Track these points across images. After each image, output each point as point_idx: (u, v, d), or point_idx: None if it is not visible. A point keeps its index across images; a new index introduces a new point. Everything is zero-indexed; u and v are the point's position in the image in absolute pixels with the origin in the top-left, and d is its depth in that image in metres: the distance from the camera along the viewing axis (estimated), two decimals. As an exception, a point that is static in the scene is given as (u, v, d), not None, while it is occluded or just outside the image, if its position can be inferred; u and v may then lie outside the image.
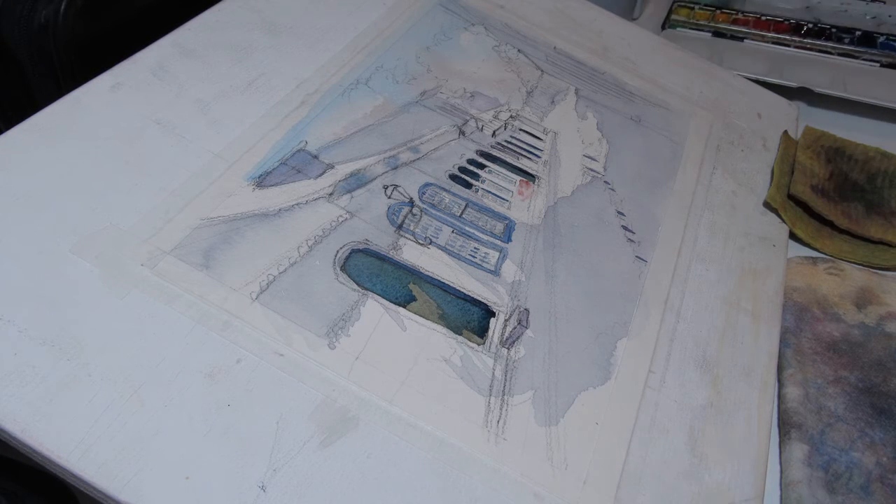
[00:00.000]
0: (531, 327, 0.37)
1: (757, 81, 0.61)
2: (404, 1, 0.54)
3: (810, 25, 0.68)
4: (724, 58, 0.64)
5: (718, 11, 0.71)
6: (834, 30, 0.67)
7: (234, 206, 0.37)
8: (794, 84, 0.61)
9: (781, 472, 0.36)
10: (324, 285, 0.35)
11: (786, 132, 0.56)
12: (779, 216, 0.49)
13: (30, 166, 0.36)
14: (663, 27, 0.70)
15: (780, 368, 0.41)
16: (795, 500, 0.35)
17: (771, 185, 0.51)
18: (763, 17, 0.70)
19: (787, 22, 0.69)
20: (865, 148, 0.57)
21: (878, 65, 0.63)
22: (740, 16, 0.70)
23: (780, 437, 0.38)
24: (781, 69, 0.63)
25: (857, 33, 0.67)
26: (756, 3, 0.72)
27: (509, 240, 0.41)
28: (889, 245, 0.50)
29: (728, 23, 0.69)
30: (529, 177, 0.46)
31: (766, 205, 0.50)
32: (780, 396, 0.39)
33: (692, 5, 0.72)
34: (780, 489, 0.36)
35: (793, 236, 0.49)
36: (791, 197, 0.50)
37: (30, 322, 0.30)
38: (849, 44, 0.66)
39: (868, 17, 0.70)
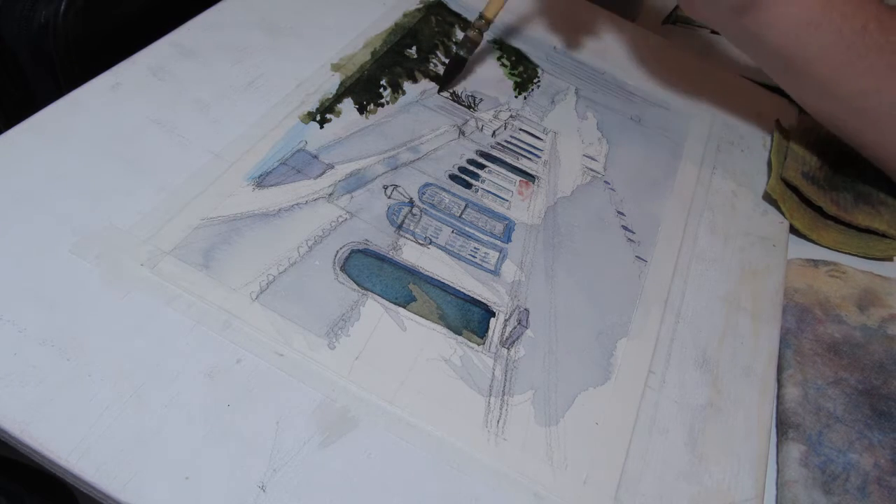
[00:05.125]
0: (531, 327, 0.37)
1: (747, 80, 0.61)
2: (404, 1, 0.54)
3: None
4: (716, 55, 0.64)
5: None
6: None
7: (234, 206, 0.37)
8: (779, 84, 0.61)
9: (778, 471, 0.36)
10: (324, 285, 0.35)
11: (777, 121, 0.56)
12: (778, 208, 0.49)
13: (30, 166, 0.36)
14: (664, 22, 0.70)
15: (780, 369, 0.41)
16: (791, 500, 0.35)
17: (770, 176, 0.51)
18: None
19: None
20: None
21: None
22: None
23: (777, 437, 0.38)
24: None
25: None
26: None
27: (509, 240, 0.41)
28: (876, 233, 0.50)
29: None
30: (529, 177, 0.46)
31: (766, 196, 0.50)
32: (779, 397, 0.39)
33: None
34: (777, 489, 0.36)
35: (791, 229, 0.49)
36: (782, 180, 0.50)
37: (30, 322, 0.30)
38: None
39: None
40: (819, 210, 0.50)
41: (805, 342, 0.42)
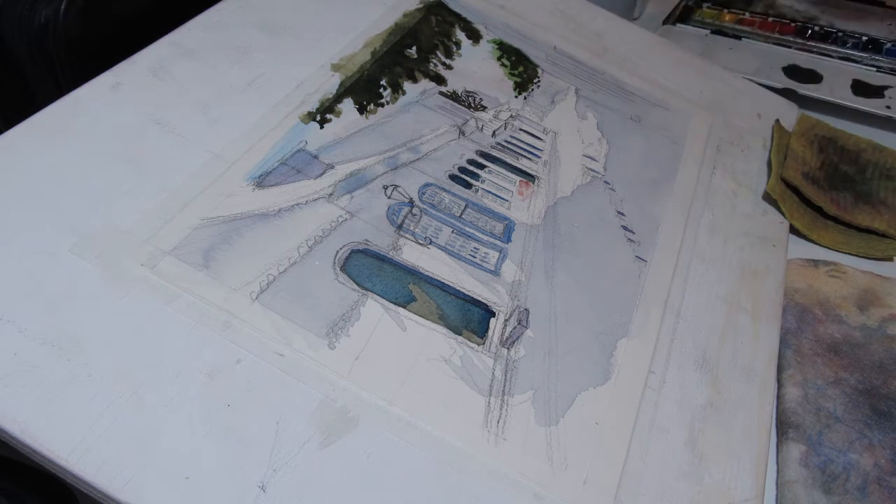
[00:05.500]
0: (531, 327, 0.37)
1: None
2: (404, 1, 0.54)
3: (816, 28, 0.68)
4: (716, 55, 0.64)
5: (726, 11, 0.71)
6: (840, 34, 0.67)
7: (234, 206, 0.37)
8: (779, 85, 0.61)
9: (778, 471, 0.37)
10: (324, 285, 0.35)
11: (777, 122, 0.56)
12: (778, 208, 0.49)
13: (30, 166, 0.36)
14: (664, 22, 0.70)
15: (780, 369, 0.41)
16: (791, 500, 0.35)
17: (770, 176, 0.51)
18: (770, 19, 0.69)
19: (793, 24, 0.69)
20: (858, 139, 0.57)
21: (875, 70, 0.63)
22: (747, 16, 0.70)
23: (777, 437, 0.38)
24: (770, 69, 0.63)
25: (864, 38, 0.67)
26: (773, 6, 0.72)
27: (509, 240, 0.41)
28: (876, 233, 0.50)
29: (734, 22, 0.69)
30: (529, 177, 0.46)
31: (766, 196, 0.50)
32: (779, 397, 0.39)
33: (700, 3, 0.72)
34: (777, 488, 0.36)
35: (791, 229, 0.49)
36: (782, 180, 0.50)
37: (30, 322, 0.30)
38: (852, 48, 0.66)
39: (888, 24, 0.69)
40: (819, 210, 0.50)
41: (805, 342, 0.42)
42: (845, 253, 0.49)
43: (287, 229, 0.37)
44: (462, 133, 0.47)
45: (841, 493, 0.35)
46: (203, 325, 0.32)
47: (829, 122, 0.59)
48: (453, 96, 0.49)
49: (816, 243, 0.49)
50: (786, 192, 0.50)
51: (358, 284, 0.36)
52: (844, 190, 0.52)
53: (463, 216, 0.42)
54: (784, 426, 0.38)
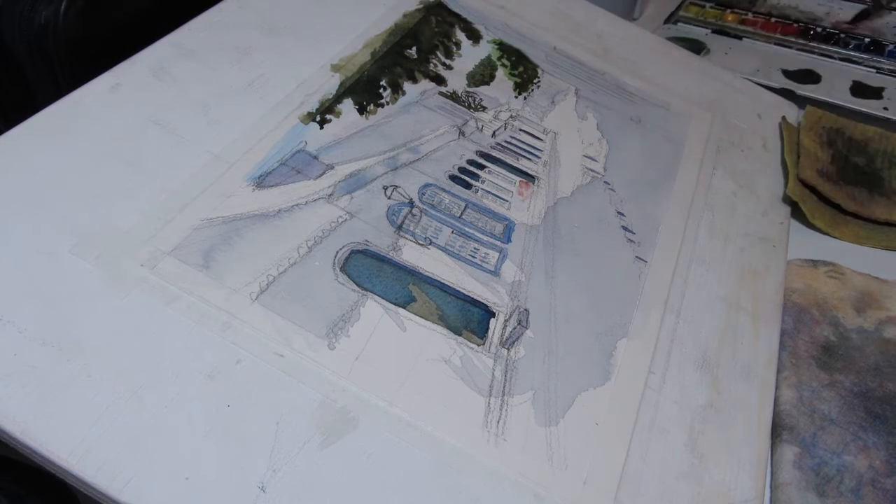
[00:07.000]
0: (531, 327, 0.37)
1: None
2: (404, 1, 0.54)
3: (819, 29, 0.68)
4: (716, 55, 0.64)
5: (728, 11, 0.71)
6: (843, 35, 0.67)
7: (234, 207, 0.37)
8: (777, 85, 0.61)
9: (772, 474, 0.36)
10: (324, 286, 0.35)
11: (784, 119, 0.56)
12: (797, 209, 0.49)
13: (30, 166, 0.36)
14: (664, 22, 0.70)
15: (777, 370, 0.41)
16: (785, 503, 0.35)
17: (788, 178, 0.51)
18: (772, 20, 0.69)
19: (796, 25, 0.69)
20: (864, 128, 0.57)
21: (875, 71, 0.63)
22: (750, 16, 0.70)
23: (772, 439, 0.38)
24: (770, 70, 0.63)
25: (866, 40, 0.67)
26: (778, 7, 0.72)
27: (509, 240, 0.41)
28: (894, 225, 0.50)
29: (736, 22, 0.69)
30: (529, 177, 0.46)
31: (787, 198, 0.50)
32: (774, 399, 0.39)
33: (703, 3, 0.72)
34: (770, 491, 0.36)
35: (811, 226, 0.49)
36: (800, 181, 0.50)
37: (30, 322, 0.30)
38: (854, 49, 0.65)
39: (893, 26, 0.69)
40: (837, 206, 0.50)
41: (801, 344, 0.42)
42: (869, 247, 0.49)
43: (287, 230, 0.37)
44: (462, 133, 0.47)
45: (835, 495, 0.35)
46: (203, 325, 0.32)
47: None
48: (453, 96, 0.49)
49: (839, 239, 0.49)
50: (804, 192, 0.50)
51: (358, 285, 0.36)
52: (858, 183, 0.52)
53: (463, 216, 0.42)
54: (778, 428, 0.38)
